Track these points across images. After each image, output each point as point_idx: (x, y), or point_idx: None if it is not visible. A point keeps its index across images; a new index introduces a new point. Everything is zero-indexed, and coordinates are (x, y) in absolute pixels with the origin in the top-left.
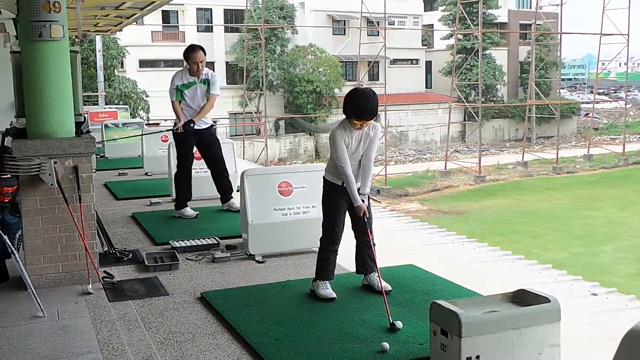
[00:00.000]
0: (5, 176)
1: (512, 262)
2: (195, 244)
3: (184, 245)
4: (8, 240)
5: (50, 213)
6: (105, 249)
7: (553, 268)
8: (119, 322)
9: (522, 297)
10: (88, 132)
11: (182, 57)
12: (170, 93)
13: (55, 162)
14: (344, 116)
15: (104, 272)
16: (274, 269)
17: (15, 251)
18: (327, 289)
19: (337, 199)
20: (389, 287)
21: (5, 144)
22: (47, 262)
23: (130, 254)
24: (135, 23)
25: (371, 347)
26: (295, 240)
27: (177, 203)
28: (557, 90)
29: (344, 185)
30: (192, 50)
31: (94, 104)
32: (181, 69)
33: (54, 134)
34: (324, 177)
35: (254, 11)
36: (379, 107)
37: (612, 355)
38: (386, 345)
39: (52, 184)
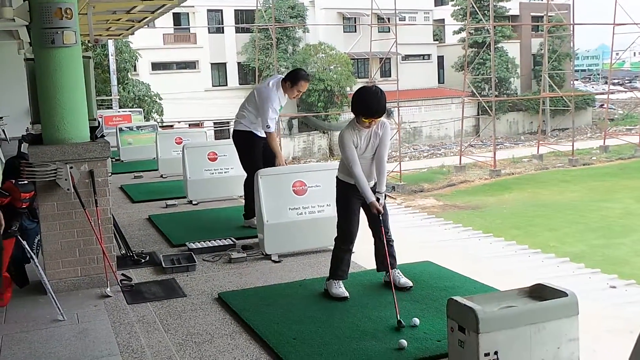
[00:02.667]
0: (23, 182)
1: (529, 256)
2: (211, 245)
3: (200, 246)
4: (27, 246)
5: (67, 218)
6: (123, 251)
7: (571, 261)
8: (138, 324)
9: (539, 292)
10: (103, 136)
11: (194, 59)
12: (268, 120)
13: (71, 167)
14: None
15: (122, 274)
16: (291, 268)
17: (34, 256)
18: (339, 288)
19: (351, 198)
20: (410, 283)
21: (21, 150)
22: (66, 266)
23: (148, 256)
24: (146, 26)
25: (389, 345)
26: (311, 239)
27: (247, 213)
28: (571, 82)
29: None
30: (304, 78)
31: (107, 108)
32: (272, 87)
33: (69, 140)
34: (337, 176)
35: (265, 11)
36: (387, 105)
37: (631, 348)
38: (404, 342)
39: (68, 189)
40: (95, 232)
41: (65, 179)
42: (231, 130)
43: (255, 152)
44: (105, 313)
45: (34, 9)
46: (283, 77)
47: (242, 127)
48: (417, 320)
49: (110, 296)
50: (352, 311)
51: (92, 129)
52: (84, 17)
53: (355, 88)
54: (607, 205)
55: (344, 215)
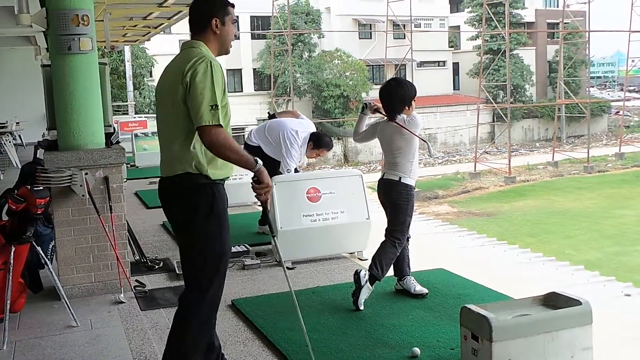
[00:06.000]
0: (38, 188)
1: (544, 264)
2: None
3: None
4: (41, 251)
5: (82, 224)
6: (137, 257)
7: (585, 269)
8: (151, 330)
9: (553, 300)
10: (118, 142)
11: None
12: (290, 165)
13: (86, 173)
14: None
15: (136, 281)
16: (304, 275)
17: (48, 262)
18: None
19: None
20: (425, 290)
21: (37, 156)
22: (80, 272)
23: (162, 263)
24: (162, 32)
25: (402, 353)
26: (324, 246)
27: (262, 218)
28: (587, 89)
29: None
30: (327, 146)
31: (124, 114)
32: (302, 140)
33: (84, 146)
34: (404, 183)
35: (280, 17)
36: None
37: None
38: (417, 350)
39: (83, 195)
40: (109, 238)
41: (80, 185)
42: (245, 138)
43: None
44: (118, 319)
45: (51, 15)
46: (312, 132)
47: (253, 143)
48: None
49: (124, 302)
50: (365, 319)
51: (108, 135)
52: (101, 24)
53: (371, 94)
54: (622, 212)
55: (410, 219)
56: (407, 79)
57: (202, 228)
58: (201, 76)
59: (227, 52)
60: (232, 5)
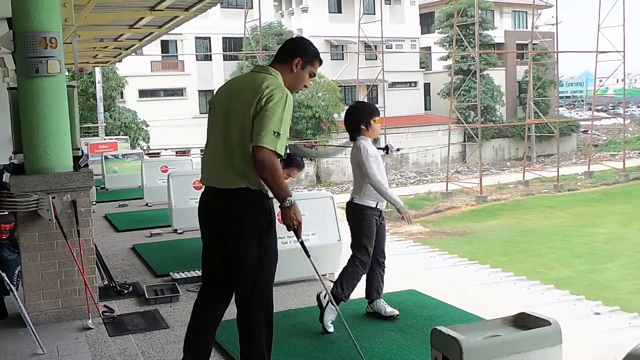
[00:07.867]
0: (3, 213)
1: (515, 283)
2: (195, 274)
3: (184, 276)
4: (6, 277)
5: (49, 248)
6: (105, 282)
7: (556, 288)
8: (120, 357)
9: (523, 321)
10: (86, 165)
11: (182, 86)
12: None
13: (53, 197)
14: (343, 140)
15: (104, 306)
16: (275, 298)
17: (13, 288)
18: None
19: (375, 222)
20: (396, 312)
21: (3, 180)
22: (47, 298)
23: (131, 287)
24: (134, 53)
25: None
26: (295, 268)
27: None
28: (556, 109)
29: (377, 206)
30: (298, 166)
31: (94, 135)
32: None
33: (51, 169)
34: (356, 203)
35: (252, 38)
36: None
37: None
38: None
39: (50, 220)
40: (77, 263)
41: (47, 210)
42: None
43: None
44: (86, 346)
45: (18, 38)
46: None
47: None
48: None
49: (92, 328)
50: (336, 341)
51: (76, 159)
52: (69, 46)
53: (343, 115)
54: (592, 230)
55: (371, 240)
56: (379, 99)
57: (264, 242)
58: (276, 102)
59: (292, 93)
60: (321, 62)
